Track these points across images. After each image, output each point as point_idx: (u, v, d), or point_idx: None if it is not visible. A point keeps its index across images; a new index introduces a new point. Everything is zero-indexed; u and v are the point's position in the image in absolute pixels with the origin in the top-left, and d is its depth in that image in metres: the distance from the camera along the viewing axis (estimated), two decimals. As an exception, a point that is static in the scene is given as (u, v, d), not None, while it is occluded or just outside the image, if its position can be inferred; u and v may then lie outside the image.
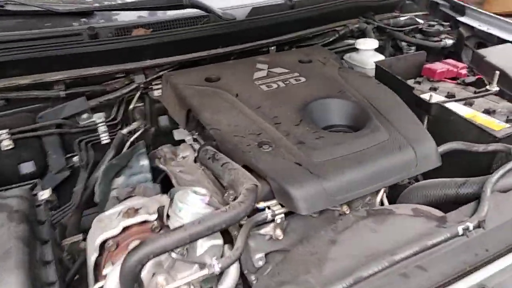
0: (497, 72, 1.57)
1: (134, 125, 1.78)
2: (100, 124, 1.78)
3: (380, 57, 1.89)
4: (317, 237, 0.95)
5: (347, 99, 1.37)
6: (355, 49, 1.97)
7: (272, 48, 1.89)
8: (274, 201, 1.08)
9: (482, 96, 1.57)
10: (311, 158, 1.12)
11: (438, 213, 1.03)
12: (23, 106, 1.55)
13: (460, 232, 0.91)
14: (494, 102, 1.55)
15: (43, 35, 1.54)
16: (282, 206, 1.08)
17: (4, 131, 1.51)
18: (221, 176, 1.09)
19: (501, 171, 1.09)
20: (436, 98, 1.52)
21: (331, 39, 2.01)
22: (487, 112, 1.46)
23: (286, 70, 1.58)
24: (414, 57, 1.78)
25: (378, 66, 1.69)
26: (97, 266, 1.03)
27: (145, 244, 0.83)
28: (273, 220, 1.07)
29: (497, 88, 1.59)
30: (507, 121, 1.40)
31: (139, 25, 1.67)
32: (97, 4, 1.78)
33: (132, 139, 1.78)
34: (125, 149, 1.78)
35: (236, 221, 0.93)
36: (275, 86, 1.47)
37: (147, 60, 1.66)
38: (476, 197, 1.13)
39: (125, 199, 1.54)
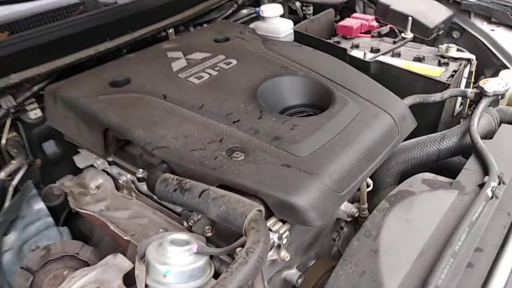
0: (410, 19, 1.56)
1: (14, 164, 1.30)
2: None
3: (288, 22, 1.73)
4: (353, 251, 0.77)
5: (297, 75, 1.18)
6: (257, 18, 1.79)
7: (170, 31, 1.56)
8: (273, 220, 0.86)
9: (403, 45, 1.56)
10: (297, 154, 0.91)
11: (445, 179, 0.94)
12: None
13: (490, 194, 0.83)
14: (416, 48, 1.55)
15: None
16: (283, 221, 0.87)
17: None
18: (202, 210, 0.80)
19: (477, 116, 1.05)
20: (368, 55, 1.45)
21: (230, 11, 1.77)
22: (418, 60, 1.44)
23: (208, 54, 1.30)
24: (325, 16, 1.68)
25: (298, 32, 1.53)
26: None
27: None
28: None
29: (412, 35, 1.59)
30: (440, 64, 1.40)
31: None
32: None
33: (15, 181, 1.32)
34: (9, 198, 1.31)
35: (260, 268, 0.69)
36: (206, 76, 1.19)
37: (11, 75, 1.20)
38: (458, 150, 1.08)
39: (42, 266, 1.14)
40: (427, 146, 1.09)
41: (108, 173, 1.35)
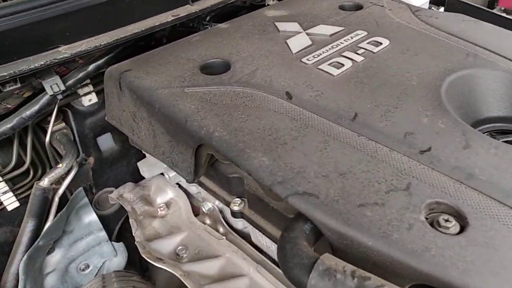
0: None
1: (61, 168, 0.97)
2: (-8, 181, 0.95)
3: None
4: None
5: (497, 68, 0.73)
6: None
7: (269, -8, 1.14)
8: None
9: None
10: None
11: None
12: None
13: None
14: None
15: None
16: None
17: None
18: None
19: None
20: None
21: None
22: None
23: (339, 28, 0.87)
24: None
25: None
26: None
27: None
28: None
29: None
30: None
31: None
32: None
33: (62, 190, 0.98)
34: (54, 210, 0.97)
35: None
36: (347, 63, 0.76)
37: (59, 47, 0.83)
38: None
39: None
40: None
41: (181, 188, 0.99)
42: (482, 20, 0.91)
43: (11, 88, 0.80)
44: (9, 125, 0.86)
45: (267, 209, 0.68)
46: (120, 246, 1.23)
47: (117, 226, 1.28)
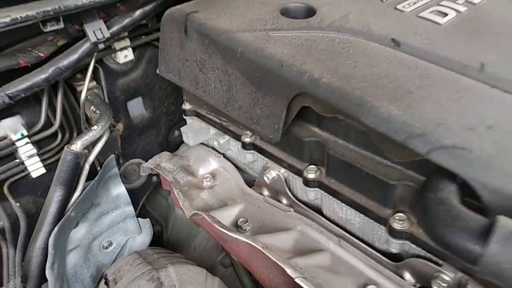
0: None
1: (96, 130, 0.85)
2: (19, 142, 0.81)
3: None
4: None
5: None
6: None
7: None
8: None
9: None
10: None
11: None
12: None
13: None
14: None
15: None
16: None
17: None
18: None
19: None
20: None
21: None
22: None
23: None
24: None
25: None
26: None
27: None
28: None
29: None
30: None
31: None
32: None
33: (93, 156, 0.86)
34: (82, 180, 0.84)
35: None
36: (452, 13, 0.66)
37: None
38: None
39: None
40: None
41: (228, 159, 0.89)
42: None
43: (53, 28, 0.67)
44: (42, 76, 0.74)
45: (357, 176, 0.58)
46: (146, 222, 1.12)
47: (141, 202, 1.17)
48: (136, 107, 1.04)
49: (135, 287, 0.70)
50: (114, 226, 1.07)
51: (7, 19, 0.60)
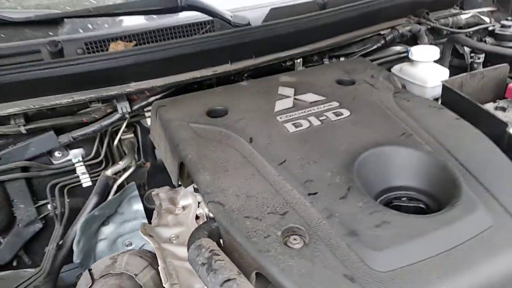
0: None
1: (121, 165, 1.37)
2: (77, 164, 1.37)
3: (443, 71, 1.41)
4: None
5: (419, 149, 0.91)
6: (406, 59, 1.51)
7: (298, 61, 1.43)
8: None
9: None
10: (372, 266, 0.67)
11: None
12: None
13: None
14: None
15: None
16: None
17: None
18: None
19: None
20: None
21: (374, 47, 1.54)
22: None
23: (321, 98, 1.12)
24: (495, 72, 1.30)
25: (447, 88, 1.21)
26: None
27: None
28: None
29: None
30: None
31: (118, 37, 1.24)
32: (68, 9, 1.36)
33: (120, 181, 1.38)
34: (112, 194, 1.37)
35: None
36: (306, 124, 1.01)
37: (130, 83, 1.24)
38: None
39: (101, 277, 1.15)
40: None
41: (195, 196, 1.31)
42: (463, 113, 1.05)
43: (95, 106, 1.25)
44: (91, 129, 1.30)
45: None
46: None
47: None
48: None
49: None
50: (134, 231, 1.57)
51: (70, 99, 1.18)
